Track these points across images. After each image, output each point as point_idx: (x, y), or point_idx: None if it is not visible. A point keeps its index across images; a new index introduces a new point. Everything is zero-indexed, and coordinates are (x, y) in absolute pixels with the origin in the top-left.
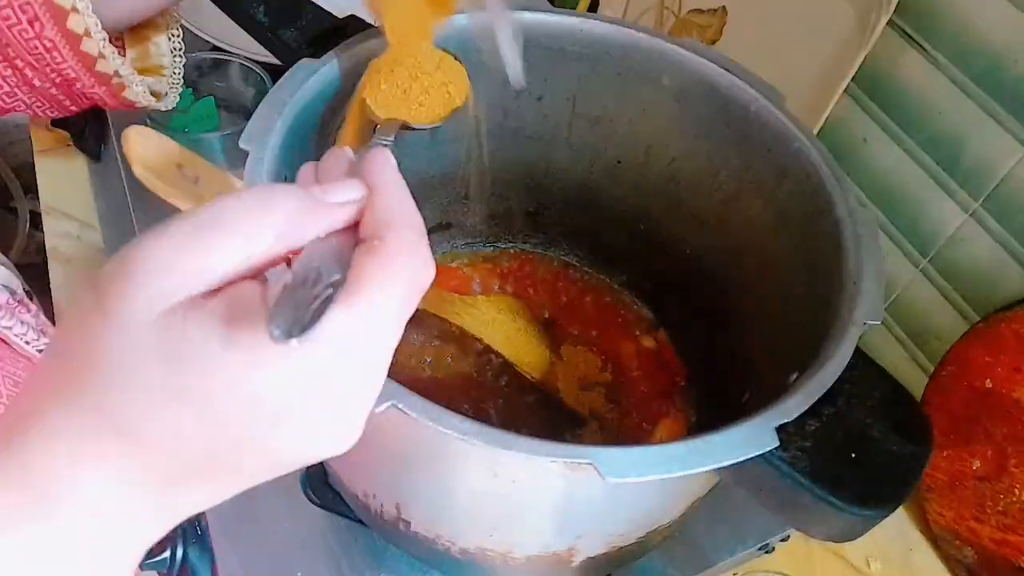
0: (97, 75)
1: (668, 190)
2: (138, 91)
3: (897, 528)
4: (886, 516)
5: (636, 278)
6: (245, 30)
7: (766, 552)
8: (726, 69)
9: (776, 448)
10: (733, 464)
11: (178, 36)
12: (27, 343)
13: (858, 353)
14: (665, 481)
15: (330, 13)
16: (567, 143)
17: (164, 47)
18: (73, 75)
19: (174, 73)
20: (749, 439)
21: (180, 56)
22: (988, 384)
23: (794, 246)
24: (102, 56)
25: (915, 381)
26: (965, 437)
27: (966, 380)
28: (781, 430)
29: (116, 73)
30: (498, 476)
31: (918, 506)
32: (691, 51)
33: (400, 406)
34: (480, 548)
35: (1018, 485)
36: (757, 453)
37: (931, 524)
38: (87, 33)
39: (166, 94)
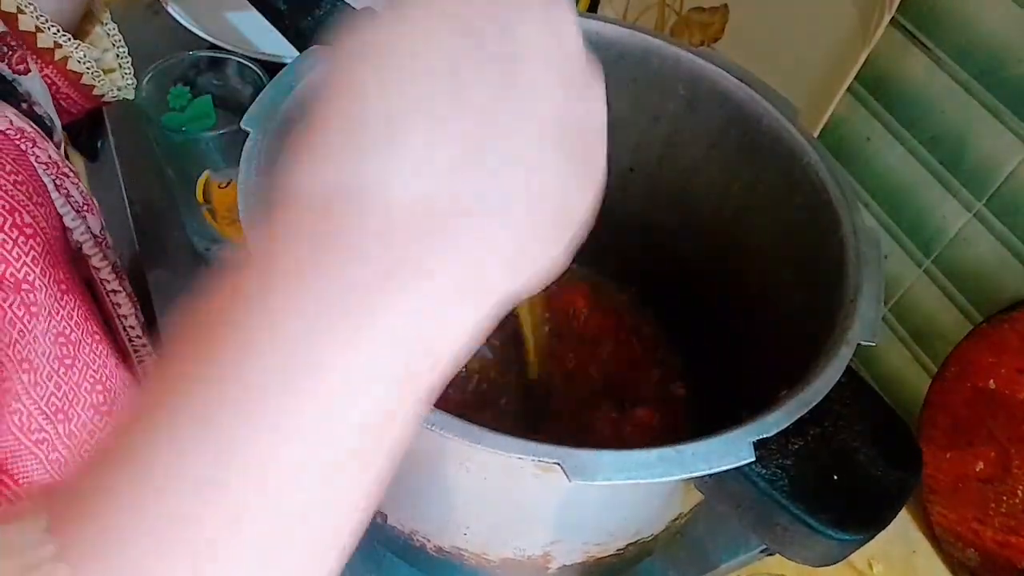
0: (41, 54)
1: (680, 201)
2: (81, 60)
3: (899, 530)
4: (864, 542)
5: (645, 289)
6: (263, 14)
7: (768, 554)
8: (741, 80)
9: (755, 464)
10: (707, 475)
11: (111, 24)
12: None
13: (852, 375)
14: (638, 490)
15: (348, 4)
16: None
17: (100, 31)
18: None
19: (122, 64)
20: (723, 451)
21: (122, 45)
22: (991, 385)
23: (799, 262)
24: (39, 30)
25: (918, 382)
26: (968, 438)
27: (969, 381)
28: (762, 446)
29: (56, 44)
30: (470, 472)
31: (920, 508)
32: (707, 60)
33: (425, 402)
34: (455, 547)
35: (1021, 487)
36: (730, 466)
37: (934, 526)
38: (20, 11)
39: (124, 87)
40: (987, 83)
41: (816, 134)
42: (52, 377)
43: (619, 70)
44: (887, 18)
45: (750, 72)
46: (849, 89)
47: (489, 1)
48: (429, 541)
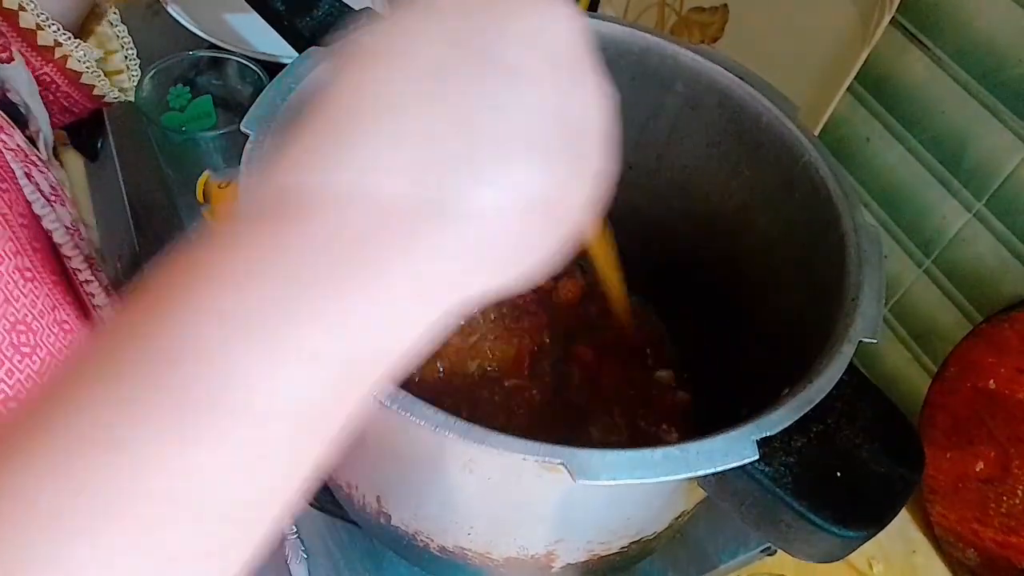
0: (41, 52)
1: (679, 199)
2: (81, 59)
3: (899, 530)
4: (867, 539)
5: (646, 287)
6: (261, 16)
7: (768, 554)
8: (740, 77)
9: (758, 462)
10: (711, 474)
11: (120, 26)
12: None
13: (854, 372)
14: (643, 489)
15: (347, 5)
16: None
17: (110, 32)
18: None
19: (130, 66)
20: (727, 450)
21: (131, 47)
22: (991, 385)
23: (799, 260)
24: (40, 28)
25: (918, 382)
26: (968, 438)
27: (969, 381)
28: (765, 444)
29: (56, 43)
30: (473, 472)
31: (920, 508)
32: (706, 58)
33: (374, 394)
34: (459, 547)
35: (1021, 486)
36: (734, 464)
37: (934, 526)
38: (21, 8)
39: (127, 88)
40: (987, 83)
41: (816, 134)
42: (3, 364)
43: (619, 68)
44: (887, 18)
45: (750, 70)
46: (849, 89)
47: (487, 2)
48: (432, 541)
